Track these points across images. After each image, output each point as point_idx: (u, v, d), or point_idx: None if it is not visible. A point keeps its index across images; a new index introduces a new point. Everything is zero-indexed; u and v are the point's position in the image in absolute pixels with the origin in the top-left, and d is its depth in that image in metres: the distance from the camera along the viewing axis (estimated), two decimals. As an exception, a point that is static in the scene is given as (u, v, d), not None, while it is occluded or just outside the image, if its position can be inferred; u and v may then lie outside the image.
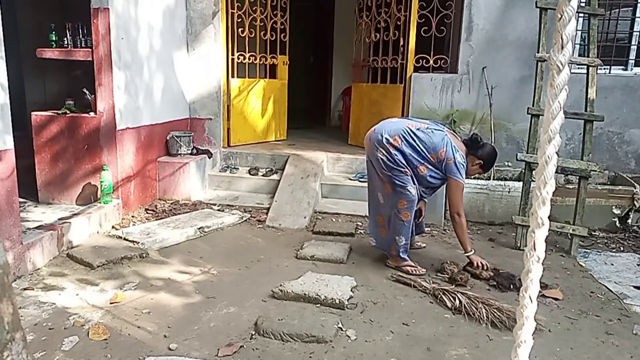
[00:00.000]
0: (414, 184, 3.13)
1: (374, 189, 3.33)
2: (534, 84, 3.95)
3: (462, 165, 3.07)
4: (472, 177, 3.32)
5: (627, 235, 4.12)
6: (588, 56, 3.86)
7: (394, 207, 3.18)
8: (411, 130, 3.09)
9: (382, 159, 3.10)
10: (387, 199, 3.22)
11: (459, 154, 3.06)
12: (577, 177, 3.83)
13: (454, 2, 4.89)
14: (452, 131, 3.28)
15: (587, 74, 3.82)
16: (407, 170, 3.08)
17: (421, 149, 3.06)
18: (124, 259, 3.25)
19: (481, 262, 3.17)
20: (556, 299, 2.91)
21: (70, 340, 2.30)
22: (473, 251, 3.20)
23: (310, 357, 2.25)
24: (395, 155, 3.07)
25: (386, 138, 3.09)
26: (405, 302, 2.84)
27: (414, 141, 3.07)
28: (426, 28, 4.95)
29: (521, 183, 4.05)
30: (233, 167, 5.28)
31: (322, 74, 8.60)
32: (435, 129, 3.12)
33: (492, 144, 3.22)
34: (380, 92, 5.51)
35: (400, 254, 3.25)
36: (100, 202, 3.93)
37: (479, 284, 3.10)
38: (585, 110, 3.82)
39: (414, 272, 3.21)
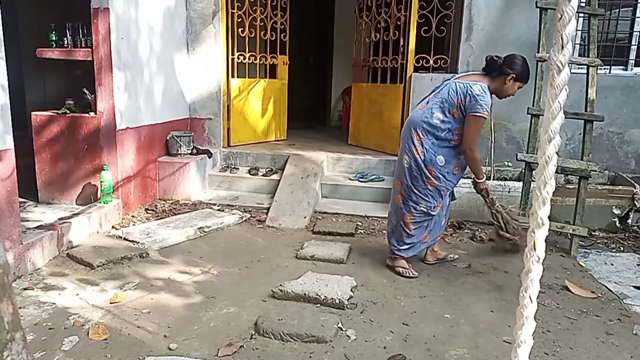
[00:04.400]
0: (436, 199, 3.05)
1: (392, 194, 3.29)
2: (534, 84, 3.95)
3: (481, 96, 2.84)
4: (511, 95, 3.07)
5: (627, 235, 4.11)
6: (588, 56, 3.86)
7: (400, 219, 3.15)
8: (425, 120, 2.96)
9: (406, 167, 3.05)
10: (396, 210, 3.18)
11: (476, 86, 2.86)
12: (577, 177, 3.83)
13: (454, 2, 4.89)
14: (467, 72, 3.09)
15: (587, 74, 3.82)
16: (432, 182, 3.00)
17: (444, 123, 2.92)
18: (124, 259, 3.25)
19: (487, 190, 3.19)
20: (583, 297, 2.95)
21: (70, 340, 2.30)
22: (484, 178, 3.14)
23: (310, 357, 2.25)
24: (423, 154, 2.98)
25: (412, 137, 2.99)
26: (405, 302, 2.84)
27: (435, 128, 2.94)
28: (426, 28, 4.95)
29: (521, 183, 4.05)
30: (233, 167, 5.28)
31: (322, 74, 8.60)
32: (437, 89, 3.02)
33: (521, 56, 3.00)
34: (380, 92, 5.51)
35: (397, 252, 3.22)
36: (100, 202, 3.93)
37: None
38: (585, 110, 3.82)
39: (406, 274, 3.18)
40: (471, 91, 2.85)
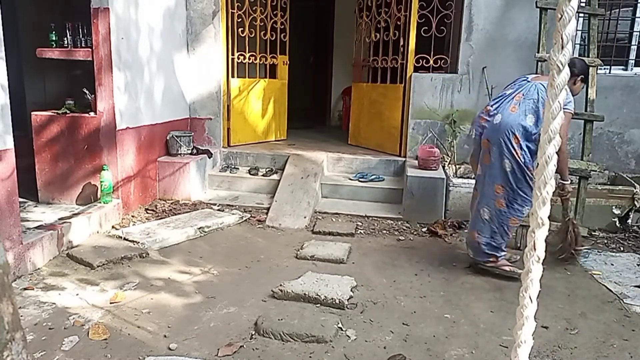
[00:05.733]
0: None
1: (481, 199, 3.24)
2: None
3: (569, 95, 3.01)
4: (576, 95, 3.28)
5: (627, 235, 4.11)
6: (588, 56, 3.86)
7: (503, 223, 3.14)
8: (522, 123, 3.00)
9: (509, 171, 3.04)
10: (499, 215, 3.14)
11: None
12: (577, 177, 3.83)
13: (454, 2, 4.89)
14: (535, 74, 3.29)
15: (587, 74, 3.82)
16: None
17: (538, 123, 2.98)
18: (124, 259, 3.25)
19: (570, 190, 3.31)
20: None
21: (70, 340, 2.30)
22: (569, 181, 3.27)
23: (310, 357, 2.25)
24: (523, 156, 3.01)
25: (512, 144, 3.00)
26: (405, 302, 2.84)
27: (528, 130, 2.99)
28: (426, 28, 4.95)
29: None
30: (233, 167, 5.28)
31: (322, 74, 8.59)
32: (520, 90, 3.09)
33: (577, 57, 3.38)
34: (380, 92, 5.50)
35: (500, 255, 3.23)
36: (100, 202, 3.93)
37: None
38: (585, 110, 3.82)
39: (514, 272, 3.17)
40: None
